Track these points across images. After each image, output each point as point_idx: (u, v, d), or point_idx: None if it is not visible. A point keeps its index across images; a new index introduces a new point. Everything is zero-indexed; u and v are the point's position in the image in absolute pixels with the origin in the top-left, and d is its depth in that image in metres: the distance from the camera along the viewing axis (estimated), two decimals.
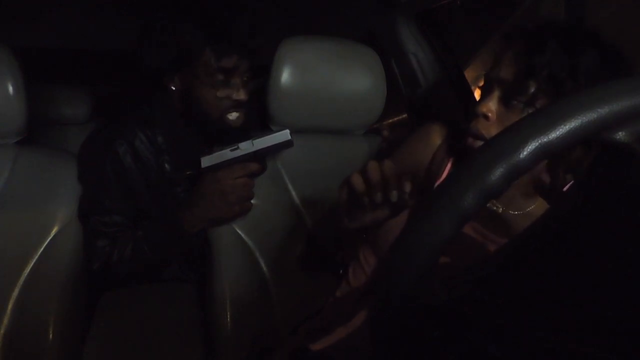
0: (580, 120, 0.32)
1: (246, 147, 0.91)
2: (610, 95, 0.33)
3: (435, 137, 0.85)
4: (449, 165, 0.82)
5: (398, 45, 1.34)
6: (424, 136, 0.86)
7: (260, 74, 1.04)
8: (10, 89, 0.88)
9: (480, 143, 0.72)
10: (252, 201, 0.98)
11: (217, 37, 0.92)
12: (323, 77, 1.03)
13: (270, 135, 0.92)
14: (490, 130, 0.72)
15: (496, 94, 0.72)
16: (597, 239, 0.35)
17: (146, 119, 1.01)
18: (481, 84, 0.75)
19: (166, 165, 1.01)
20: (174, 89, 1.00)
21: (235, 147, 0.91)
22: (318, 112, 1.05)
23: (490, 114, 0.71)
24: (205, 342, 0.97)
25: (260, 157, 0.94)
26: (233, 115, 0.99)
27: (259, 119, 1.14)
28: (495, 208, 0.78)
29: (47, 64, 1.57)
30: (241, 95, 0.97)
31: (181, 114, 1.02)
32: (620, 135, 0.34)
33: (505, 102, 0.71)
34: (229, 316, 0.94)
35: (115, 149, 0.96)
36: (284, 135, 0.91)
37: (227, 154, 0.92)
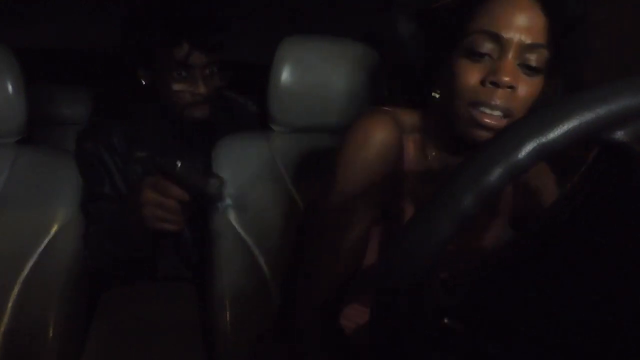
0: (579, 120, 0.32)
1: (181, 167, 0.81)
2: (609, 95, 0.33)
3: (387, 125, 0.73)
4: (412, 150, 0.75)
5: (398, 45, 1.34)
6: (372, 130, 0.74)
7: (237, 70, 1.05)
8: (10, 89, 0.88)
9: (506, 120, 0.64)
10: (252, 200, 0.98)
11: (168, 31, 0.94)
12: (323, 76, 1.03)
13: (200, 176, 0.83)
14: (513, 103, 0.64)
15: (512, 58, 0.63)
16: (596, 239, 0.35)
17: (124, 116, 1.03)
18: (479, 49, 0.64)
19: (141, 163, 1.03)
20: (144, 83, 1.02)
21: (178, 164, 0.81)
22: (318, 112, 1.05)
23: (515, 85, 0.63)
24: (205, 342, 0.97)
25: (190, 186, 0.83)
26: (195, 109, 1.00)
27: (257, 119, 1.15)
28: None
29: (47, 64, 1.57)
30: (200, 89, 0.98)
31: (154, 109, 1.04)
32: (619, 135, 0.34)
33: (525, 70, 0.64)
34: (228, 316, 0.94)
35: (93, 144, 0.99)
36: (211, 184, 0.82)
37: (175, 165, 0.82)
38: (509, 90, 0.63)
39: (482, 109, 0.64)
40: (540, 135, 0.33)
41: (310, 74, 1.01)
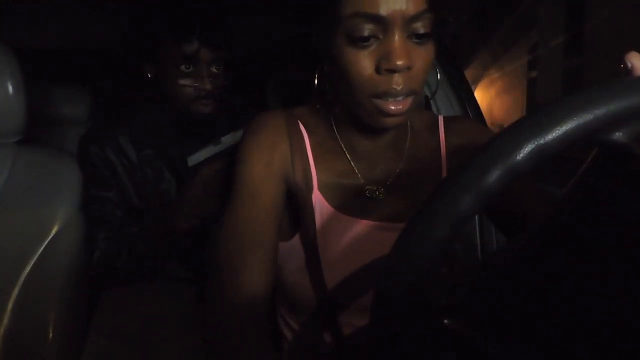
0: (577, 121, 0.33)
1: (227, 140, 0.93)
2: (608, 96, 0.33)
3: (277, 128, 0.72)
4: (309, 149, 0.72)
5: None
6: (263, 132, 0.72)
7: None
8: (10, 88, 0.88)
9: (411, 99, 0.62)
10: None
11: (178, 25, 0.95)
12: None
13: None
14: (415, 81, 0.60)
15: (400, 35, 0.58)
16: (596, 240, 0.35)
17: (127, 116, 1.04)
18: (361, 33, 0.58)
19: (149, 162, 1.03)
20: (149, 75, 1.03)
21: (218, 141, 0.93)
22: None
23: (411, 64, 0.59)
24: (205, 341, 0.97)
25: None
26: (201, 105, 1.01)
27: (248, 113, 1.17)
28: (376, 195, 0.72)
29: (47, 64, 1.57)
30: (206, 85, 0.99)
31: (159, 106, 1.05)
32: (618, 136, 0.34)
33: (417, 42, 0.60)
34: None
35: (100, 147, 1.00)
36: None
37: (210, 149, 0.94)
38: (406, 70, 0.59)
39: (386, 98, 0.61)
40: (539, 137, 0.33)
41: (310, 73, 1.01)
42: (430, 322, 0.38)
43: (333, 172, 0.73)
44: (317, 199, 0.71)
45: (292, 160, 0.71)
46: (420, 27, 0.58)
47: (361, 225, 0.71)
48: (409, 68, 0.59)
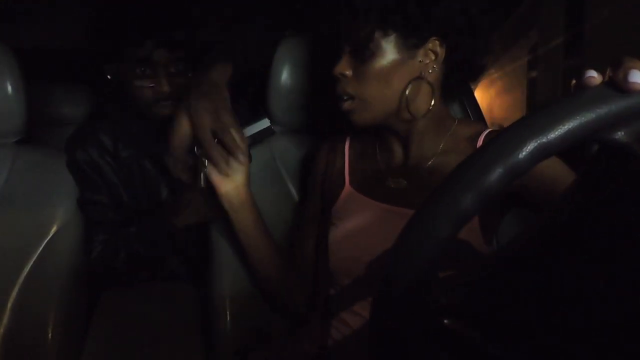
0: (578, 121, 0.33)
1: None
2: (609, 95, 0.33)
3: (321, 154, 0.94)
4: (347, 158, 0.89)
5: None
6: (316, 157, 0.95)
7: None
8: (10, 88, 0.88)
9: (351, 102, 0.76)
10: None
11: (130, 28, 0.95)
12: (323, 76, 1.02)
13: (250, 126, 0.94)
14: (353, 87, 0.75)
15: (346, 52, 0.75)
16: (596, 239, 0.35)
17: (110, 116, 1.05)
18: (339, 52, 0.78)
19: (134, 159, 1.04)
20: (109, 77, 1.02)
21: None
22: (318, 112, 1.05)
23: (347, 72, 0.75)
24: (205, 341, 0.97)
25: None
26: (161, 106, 1.00)
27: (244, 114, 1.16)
28: (399, 184, 0.81)
29: (47, 64, 1.57)
30: (164, 87, 0.98)
31: (132, 108, 1.05)
32: (620, 135, 0.34)
33: (356, 56, 0.74)
34: (228, 315, 0.94)
35: (85, 150, 1.00)
36: (264, 123, 0.94)
37: None
38: (345, 78, 0.76)
39: (339, 99, 0.77)
40: (541, 136, 0.33)
41: (310, 73, 1.01)
42: (430, 322, 0.38)
43: (363, 165, 0.86)
44: (346, 187, 0.85)
45: (329, 161, 0.91)
46: (361, 47, 0.73)
47: (379, 207, 0.79)
48: (343, 75, 0.75)
